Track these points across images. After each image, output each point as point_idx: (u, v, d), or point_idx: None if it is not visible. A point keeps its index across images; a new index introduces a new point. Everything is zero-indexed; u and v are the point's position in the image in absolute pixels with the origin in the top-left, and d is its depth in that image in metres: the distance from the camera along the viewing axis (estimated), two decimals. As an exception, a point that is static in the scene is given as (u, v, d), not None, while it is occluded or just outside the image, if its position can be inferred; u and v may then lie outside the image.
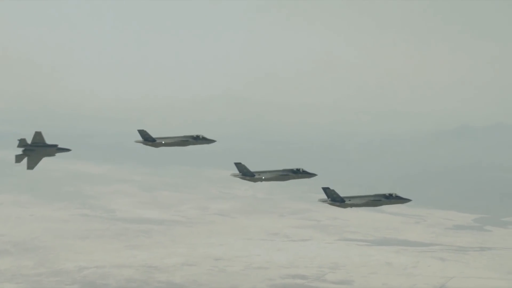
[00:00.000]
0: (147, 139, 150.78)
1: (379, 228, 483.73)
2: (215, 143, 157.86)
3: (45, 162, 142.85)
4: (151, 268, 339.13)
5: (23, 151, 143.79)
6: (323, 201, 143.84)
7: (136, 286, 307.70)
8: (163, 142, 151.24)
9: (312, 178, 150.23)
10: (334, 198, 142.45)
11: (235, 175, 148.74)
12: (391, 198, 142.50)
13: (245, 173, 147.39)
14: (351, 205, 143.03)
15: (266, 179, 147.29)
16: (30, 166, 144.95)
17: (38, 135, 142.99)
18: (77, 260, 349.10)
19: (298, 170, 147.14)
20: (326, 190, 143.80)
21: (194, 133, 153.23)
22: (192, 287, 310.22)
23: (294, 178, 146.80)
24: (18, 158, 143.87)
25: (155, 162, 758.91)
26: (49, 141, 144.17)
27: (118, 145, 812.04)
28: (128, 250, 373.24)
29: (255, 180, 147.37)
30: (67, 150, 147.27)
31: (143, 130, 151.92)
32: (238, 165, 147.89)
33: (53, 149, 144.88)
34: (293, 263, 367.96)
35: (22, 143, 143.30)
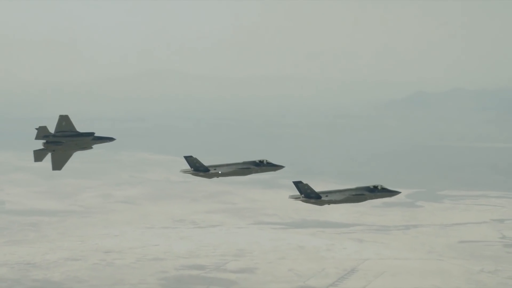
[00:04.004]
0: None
1: (299, 209, 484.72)
2: None
3: None
4: (28, 265, 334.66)
5: (45, 144, 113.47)
6: (295, 197, 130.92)
7: (6, 286, 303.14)
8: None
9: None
10: (308, 194, 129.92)
11: (185, 171, 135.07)
12: (376, 191, 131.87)
13: (198, 168, 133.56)
14: (329, 202, 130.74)
15: (224, 174, 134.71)
16: (57, 165, 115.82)
17: (64, 119, 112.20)
18: None
19: (261, 162, 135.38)
20: (298, 184, 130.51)
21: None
22: (70, 285, 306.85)
23: (257, 171, 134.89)
24: (38, 155, 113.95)
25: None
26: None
27: (20, 131, 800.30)
28: (7, 247, 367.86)
29: (210, 176, 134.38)
30: (110, 139, 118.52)
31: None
32: (189, 159, 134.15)
33: (89, 139, 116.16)
34: (194, 253, 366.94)
35: (42, 132, 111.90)
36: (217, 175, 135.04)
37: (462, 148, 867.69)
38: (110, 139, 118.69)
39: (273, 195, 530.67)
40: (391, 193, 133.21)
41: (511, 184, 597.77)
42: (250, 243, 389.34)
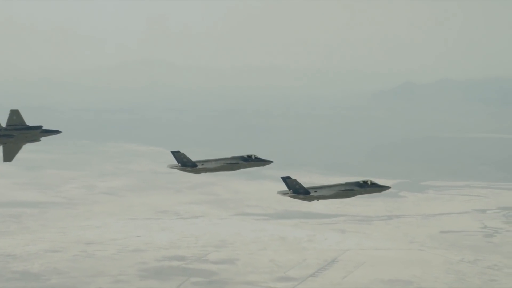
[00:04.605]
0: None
1: (282, 200, 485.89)
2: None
3: None
4: (8, 257, 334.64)
5: None
6: (283, 193, 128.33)
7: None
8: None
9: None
10: (296, 190, 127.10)
11: (172, 167, 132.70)
12: (366, 187, 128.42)
13: (185, 163, 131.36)
14: (318, 197, 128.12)
15: (211, 169, 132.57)
16: (8, 157, 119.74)
17: (15, 114, 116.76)
18: None
19: (249, 157, 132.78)
20: (286, 180, 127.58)
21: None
22: (49, 276, 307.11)
23: (245, 166, 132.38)
24: None
25: (47, 138, 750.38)
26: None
27: (3, 121, 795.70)
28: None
29: (197, 171, 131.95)
30: (56, 132, 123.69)
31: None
32: (176, 154, 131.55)
33: (37, 132, 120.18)
34: (175, 244, 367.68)
35: None
36: (204, 170, 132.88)
37: (448, 139, 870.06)
38: (57, 131, 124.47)
39: (257, 186, 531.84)
40: (381, 188, 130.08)
41: (495, 174, 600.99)
42: (232, 234, 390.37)
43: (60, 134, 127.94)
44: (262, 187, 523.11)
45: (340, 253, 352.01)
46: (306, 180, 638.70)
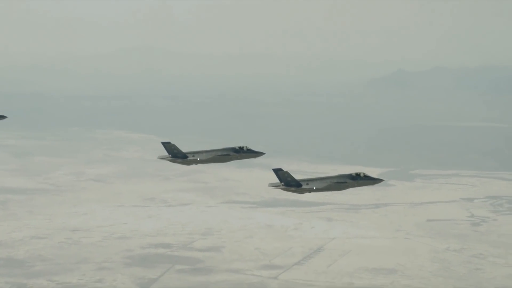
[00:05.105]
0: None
1: (271, 189, 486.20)
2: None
3: None
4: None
5: None
6: (275, 186, 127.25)
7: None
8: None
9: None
10: (288, 182, 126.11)
11: (163, 158, 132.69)
12: (359, 179, 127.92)
13: (176, 155, 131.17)
14: (310, 190, 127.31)
15: (202, 161, 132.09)
16: None
17: None
18: None
19: (241, 148, 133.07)
20: (278, 172, 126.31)
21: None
22: (34, 263, 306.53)
23: (236, 158, 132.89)
24: None
25: (38, 124, 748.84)
26: None
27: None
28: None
29: (188, 163, 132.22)
30: (2, 117, 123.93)
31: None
32: (167, 145, 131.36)
33: None
34: (162, 231, 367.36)
35: None
36: (195, 162, 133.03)
37: (439, 128, 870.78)
38: (2, 117, 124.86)
39: (246, 174, 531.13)
40: (374, 181, 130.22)
41: (484, 163, 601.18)
42: (218, 222, 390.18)
43: (50, 120, 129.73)
44: (252, 175, 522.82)
45: (326, 242, 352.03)
46: (295, 168, 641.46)
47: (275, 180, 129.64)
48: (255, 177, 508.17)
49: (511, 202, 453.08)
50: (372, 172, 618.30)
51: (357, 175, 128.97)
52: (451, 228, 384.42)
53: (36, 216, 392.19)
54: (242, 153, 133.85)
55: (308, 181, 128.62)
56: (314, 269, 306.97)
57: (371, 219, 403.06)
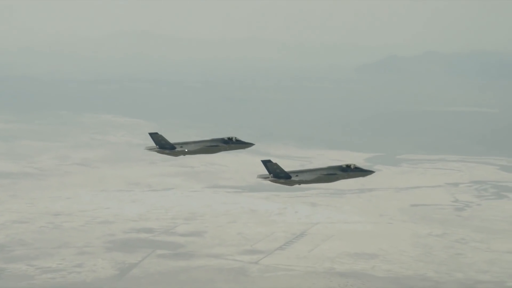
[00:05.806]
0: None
1: (257, 173, 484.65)
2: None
3: None
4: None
5: None
6: (264, 177, 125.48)
7: None
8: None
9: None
10: (277, 174, 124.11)
11: (150, 149, 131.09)
12: (349, 171, 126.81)
13: (163, 146, 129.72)
14: (299, 182, 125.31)
15: (191, 152, 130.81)
16: None
17: None
18: None
19: (230, 139, 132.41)
20: (267, 164, 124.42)
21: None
22: (14, 247, 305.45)
23: (225, 149, 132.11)
24: None
25: (26, 108, 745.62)
26: None
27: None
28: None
29: (176, 154, 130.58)
30: None
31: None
32: (154, 136, 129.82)
33: None
34: (144, 216, 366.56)
35: None
36: (183, 153, 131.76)
37: (428, 113, 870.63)
38: None
39: (232, 159, 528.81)
40: (365, 172, 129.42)
41: (471, 148, 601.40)
42: (202, 207, 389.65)
43: (40, 104, 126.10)
44: (238, 160, 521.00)
45: (309, 226, 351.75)
46: (283, 153, 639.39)
47: (262, 167, 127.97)
48: (242, 162, 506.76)
49: (496, 187, 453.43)
50: (359, 157, 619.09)
51: (348, 166, 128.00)
52: (435, 213, 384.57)
53: (19, 200, 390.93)
54: (231, 144, 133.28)
55: (297, 172, 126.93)
56: (296, 254, 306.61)
57: (355, 204, 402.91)
